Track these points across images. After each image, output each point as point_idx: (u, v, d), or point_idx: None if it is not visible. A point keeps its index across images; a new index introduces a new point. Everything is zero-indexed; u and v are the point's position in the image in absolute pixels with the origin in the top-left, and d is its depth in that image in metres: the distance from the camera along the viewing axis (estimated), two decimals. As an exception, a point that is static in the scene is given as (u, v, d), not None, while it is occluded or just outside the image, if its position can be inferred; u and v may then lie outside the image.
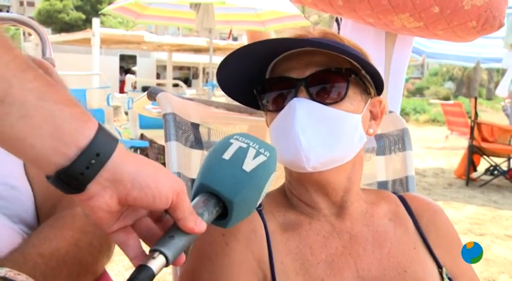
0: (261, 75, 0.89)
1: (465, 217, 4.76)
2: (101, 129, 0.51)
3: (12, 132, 0.47)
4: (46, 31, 1.20)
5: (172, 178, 0.54)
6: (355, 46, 0.88)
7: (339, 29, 1.93)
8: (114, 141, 0.52)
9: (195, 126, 1.01)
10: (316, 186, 0.84)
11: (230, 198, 0.59)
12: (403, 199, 0.94)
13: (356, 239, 0.84)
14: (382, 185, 1.19)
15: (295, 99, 0.81)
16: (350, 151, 0.84)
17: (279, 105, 0.84)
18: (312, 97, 0.81)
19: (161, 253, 0.53)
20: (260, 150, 0.63)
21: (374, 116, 0.89)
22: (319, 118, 0.80)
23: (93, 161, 0.49)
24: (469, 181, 6.33)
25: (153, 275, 0.52)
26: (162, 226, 0.58)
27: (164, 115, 0.95)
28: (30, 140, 0.48)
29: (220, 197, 0.59)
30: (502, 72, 5.57)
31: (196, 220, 0.55)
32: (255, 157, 0.62)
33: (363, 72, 0.85)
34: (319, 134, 0.80)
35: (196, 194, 0.60)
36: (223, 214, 0.60)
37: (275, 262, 0.79)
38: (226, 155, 0.62)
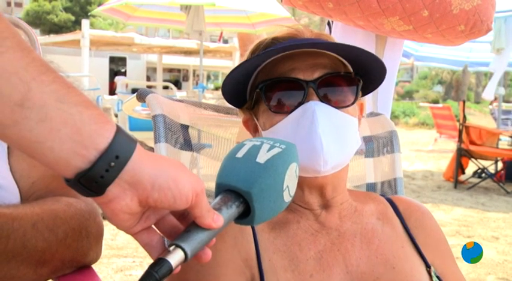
0: (249, 72, 0.86)
1: (453, 219, 4.80)
2: (119, 131, 0.50)
3: (31, 136, 0.47)
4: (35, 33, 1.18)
5: (192, 178, 0.54)
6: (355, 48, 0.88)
7: (330, 32, 1.94)
8: (133, 142, 0.51)
9: (185, 127, 1.01)
10: (314, 188, 0.85)
11: (246, 189, 0.57)
12: (391, 201, 0.95)
13: (344, 236, 0.85)
14: (371, 187, 1.20)
15: (312, 102, 0.80)
16: (352, 154, 0.86)
17: (284, 107, 0.83)
18: (321, 100, 0.81)
19: (179, 246, 0.52)
20: (275, 144, 0.63)
21: (359, 119, 0.90)
22: (334, 122, 0.81)
23: (113, 164, 0.49)
24: (457, 184, 6.39)
25: (171, 269, 0.51)
26: (186, 222, 0.58)
27: (153, 117, 0.95)
28: (50, 144, 0.47)
29: (238, 191, 0.58)
30: (489, 76, 5.63)
31: (213, 216, 0.55)
32: (269, 150, 0.61)
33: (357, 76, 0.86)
34: (335, 137, 0.80)
35: (216, 195, 0.59)
36: (247, 211, 0.59)
37: (263, 260, 0.79)
38: (240, 154, 0.62)
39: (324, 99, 0.82)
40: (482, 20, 1.61)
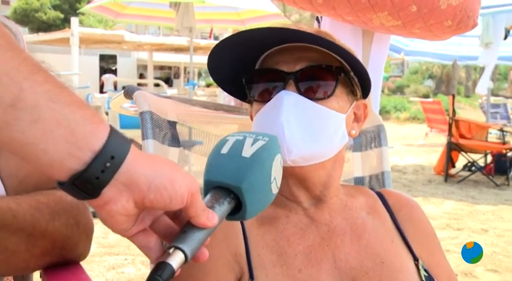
0: (251, 65, 0.88)
1: (444, 212, 4.85)
2: (113, 132, 0.49)
3: (24, 138, 0.45)
4: (23, 31, 1.17)
5: (187, 178, 0.53)
6: (344, 45, 0.88)
7: (319, 27, 1.94)
8: (128, 143, 0.50)
9: (172, 124, 1.01)
10: (296, 180, 0.85)
11: (236, 184, 0.58)
12: (381, 194, 0.96)
13: (334, 231, 0.85)
14: (359, 180, 1.21)
15: (283, 91, 0.81)
16: (331, 148, 0.84)
17: (266, 97, 0.84)
18: (300, 92, 0.82)
19: (178, 248, 0.52)
20: (258, 137, 0.63)
21: (357, 118, 0.90)
22: (304, 112, 0.81)
23: (108, 165, 0.48)
24: (447, 177, 6.44)
25: (173, 272, 0.51)
26: (180, 222, 0.57)
27: (141, 113, 0.95)
28: (43, 145, 0.46)
29: (228, 188, 0.58)
30: (479, 71, 5.69)
31: (208, 214, 0.55)
32: (253, 144, 0.62)
33: (352, 74, 0.86)
34: (303, 128, 0.80)
35: (205, 193, 0.59)
36: (238, 207, 0.59)
37: (252, 255, 0.80)
38: (224, 150, 0.62)
39: (304, 91, 0.82)
40: (469, 15, 1.62)
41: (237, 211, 0.59)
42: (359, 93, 0.89)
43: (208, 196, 0.58)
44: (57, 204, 0.83)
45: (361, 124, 0.91)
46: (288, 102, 0.80)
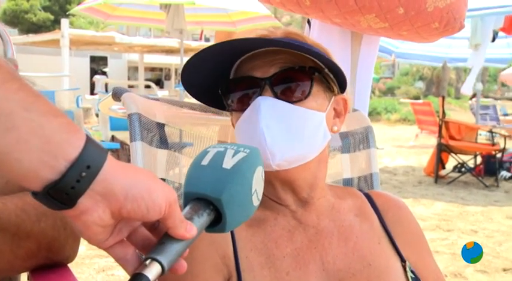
0: (225, 75, 0.89)
1: (434, 213, 4.88)
2: (89, 140, 0.49)
3: None
4: (12, 32, 1.17)
5: (164, 188, 0.53)
6: (318, 45, 0.89)
7: (310, 29, 1.95)
8: (104, 152, 0.49)
9: (161, 126, 1.01)
10: (282, 183, 0.85)
11: (216, 196, 0.57)
12: (369, 196, 0.96)
13: (322, 233, 0.86)
14: (348, 182, 1.21)
15: (259, 97, 0.82)
16: (314, 148, 0.85)
17: (244, 105, 0.84)
18: (276, 96, 0.82)
19: (155, 260, 0.51)
20: (239, 149, 0.62)
21: (338, 114, 0.90)
22: (283, 116, 0.81)
23: (84, 174, 0.47)
24: (437, 179, 6.48)
25: None
26: (158, 233, 0.56)
27: (129, 115, 0.95)
28: (17, 155, 0.45)
29: (207, 199, 0.57)
30: (469, 72, 5.71)
31: (186, 226, 0.54)
32: (234, 155, 0.61)
33: (326, 70, 0.86)
34: (283, 131, 0.81)
35: (185, 205, 0.58)
36: (218, 218, 0.58)
37: (240, 258, 0.80)
38: (205, 161, 0.61)
39: (280, 94, 0.83)
40: (456, 17, 1.64)
41: (216, 223, 0.59)
42: (336, 88, 0.89)
43: (187, 208, 0.57)
44: (57, 217, 0.82)
45: (343, 118, 0.91)
46: (266, 107, 0.81)
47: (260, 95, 0.82)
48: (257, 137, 0.79)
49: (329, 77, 0.87)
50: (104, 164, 0.49)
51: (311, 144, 0.84)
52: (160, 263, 0.51)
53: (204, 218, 0.57)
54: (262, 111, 0.80)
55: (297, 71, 0.83)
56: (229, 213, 0.58)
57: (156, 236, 0.56)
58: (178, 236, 0.54)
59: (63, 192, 0.47)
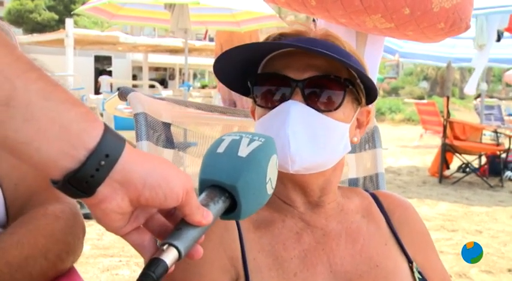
0: (255, 65, 0.87)
1: (438, 213, 4.86)
2: (107, 129, 0.49)
3: (17, 136, 0.45)
4: (17, 32, 1.18)
5: (182, 176, 0.53)
6: (354, 52, 0.88)
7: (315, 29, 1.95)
8: (122, 141, 0.50)
9: (167, 125, 1.01)
10: (294, 184, 0.85)
11: (232, 183, 0.57)
12: (375, 196, 0.96)
13: (329, 235, 0.86)
14: (353, 182, 1.21)
15: (290, 101, 0.80)
16: (334, 158, 0.84)
17: (270, 102, 0.83)
18: (306, 101, 0.81)
19: (172, 245, 0.52)
20: (254, 138, 0.62)
21: (360, 124, 0.89)
22: (311, 124, 0.80)
23: (103, 163, 0.47)
24: (442, 179, 6.46)
25: (167, 268, 0.51)
26: (174, 220, 0.57)
27: (135, 115, 0.95)
28: (37, 144, 0.45)
29: (223, 186, 0.58)
30: (473, 72, 5.68)
31: (203, 212, 0.54)
32: (249, 144, 0.61)
33: (358, 81, 0.85)
34: (308, 140, 0.80)
35: (201, 192, 0.59)
36: (232, 206, 0.59)
37: (248, 259, 0.80)
38: (220, 149, 0.61)
39: (310, 100, 0.81)
40: (461, 18, 1.63)
41: (231, 211, 0.59)
42: (363, 100, 0.87)
43: (203, 195, 0.58)
44: (64, 245, 0.84)
45: (363, 130, 0.90)
46: (295, 113, 0.79)
47: (290, 97, 0.81)
48: (280, 140, 0.78)
49: (360, 88, 0.86)
50: (122, 153, 0.49)
51: (332, 154, 0.83)
52: (177, 248, 0.52)
53: (220, 205, 0.57)
54: (291, 117, 0.79)
55: (332, 80, 0.82)
56: (244, 201, 0.58)
57: (172, 222, 0.57)
58: (195, 222, 0.54)
59: (83, 181, 0.47)
